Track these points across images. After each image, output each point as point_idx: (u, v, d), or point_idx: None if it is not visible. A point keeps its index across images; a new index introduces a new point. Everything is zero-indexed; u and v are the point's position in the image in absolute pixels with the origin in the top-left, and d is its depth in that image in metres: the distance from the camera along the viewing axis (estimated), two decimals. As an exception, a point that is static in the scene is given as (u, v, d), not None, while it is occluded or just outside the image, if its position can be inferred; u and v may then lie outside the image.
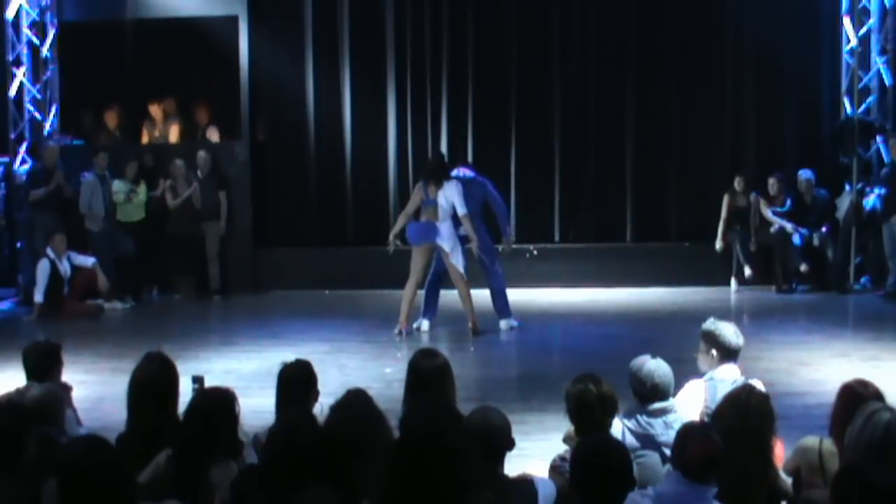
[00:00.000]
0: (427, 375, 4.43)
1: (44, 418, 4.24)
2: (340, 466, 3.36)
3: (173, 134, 12.98)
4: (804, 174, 11.67)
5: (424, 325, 9.54)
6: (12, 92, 12.17)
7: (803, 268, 11.51)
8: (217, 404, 3.92)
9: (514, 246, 10.22)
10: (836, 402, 4.14)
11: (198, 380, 4.69)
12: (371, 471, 3.31)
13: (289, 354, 5.04)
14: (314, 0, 12.68)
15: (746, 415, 3.93)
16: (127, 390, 4.43)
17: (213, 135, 12.89)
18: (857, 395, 3.98)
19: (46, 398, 4.40)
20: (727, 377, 4.83)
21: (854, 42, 11.92)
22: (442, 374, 4.45)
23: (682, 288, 11.74)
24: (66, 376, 5.48)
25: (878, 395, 3.99)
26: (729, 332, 4.94)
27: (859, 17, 11.90)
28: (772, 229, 11.65)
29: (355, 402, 3.69)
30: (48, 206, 11.70)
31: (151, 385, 4.37)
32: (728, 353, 4.91)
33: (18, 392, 4.65)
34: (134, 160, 12.16)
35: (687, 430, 3.68)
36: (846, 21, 12.05)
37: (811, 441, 4.15)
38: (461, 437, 3.07)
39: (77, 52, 12.69)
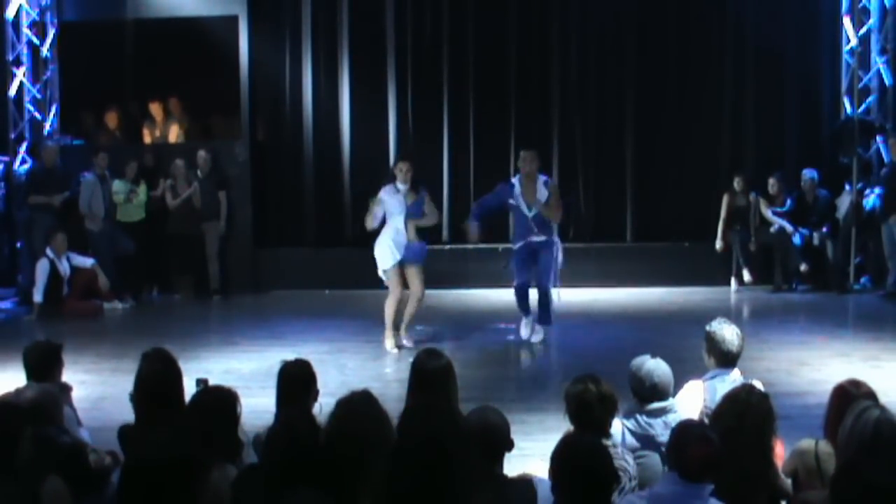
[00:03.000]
0: (430, 376, 4.43)
1: (40, 418, 4.24)
2: (340, 467, 3.35)
3: (173, 134, 12.99)
4: (808, 173, 11.67)
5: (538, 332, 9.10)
6: (12, 92, 12.18)
7: (803, 268, 11.51)
8: (217, 404, 3.92)
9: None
10: (829, 403, 4.13)
11: (202, 382, 4.69)
12: (372, 472, 3.31)
13: (289, 354, 5.03)
14: (314, 0, 12.69)
15: (746, 414, 3.92)
16: (132, 391, 4.47)
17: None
18: (849, 396, 3.96)
19: (42, 398, 4.40)
20: (727, 377, 4.82)
21: (854, 42, 11.93)
22: (445, 375, 4.45)
23: (682, 288, 11.74)
24: (67, 376, 5.48)
25: (870, 395, 3.97)
26: (727, 339, 4.86)
27: (859, 17, 11.91)
28: (772, 229, 11.65)
29: (359, 403, 3.69)
30: (48, 206, 11.71)
31: (155, 383, 4.41)
32: (724, 360, 4.89)
33: (17, 392, 4.65)
34: (134, 160, 12.16)
35: (683, 431, 3.66)
36: (846, 21, 12.06)
37: (807, 443, 4.14)
38: (459, 439, 3.06)
39: (77, 52, 12.70)
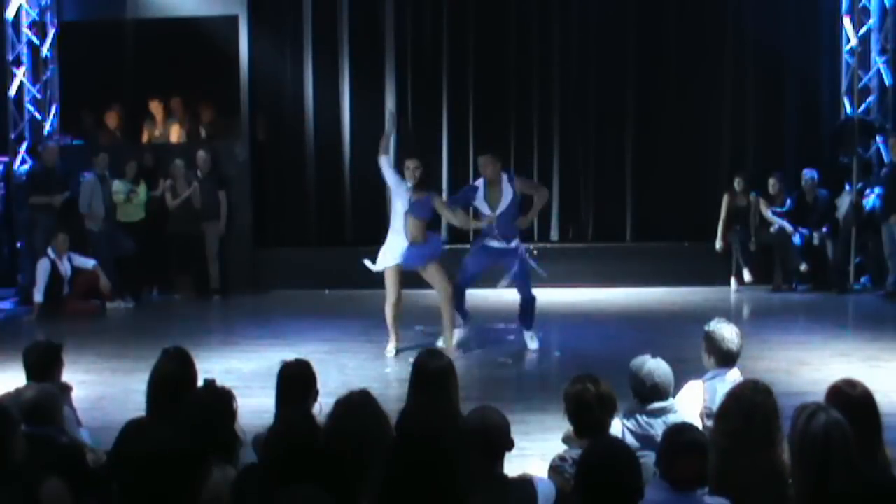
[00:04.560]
0: (431, 376, 4.44)
1: (39, 419, 4.25)
2: (340, 467, 3.35)
3: (173, 134, 12.99)
4: (808, 173, 11.68)
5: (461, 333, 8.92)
6: (12, 92, 12.17)
7: (803, 268, 11.51)
8: (212, 400, 3.92)
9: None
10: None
11: (210, 383, 4.71)
12: (372, 471, 3.32)
13: (289, 354, 5.04)
14: (314, 0, 12.69)
15: (752, 412, 3.87)
16: (147, 385, 4.50)
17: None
18: (846, 396, 3.93)
19: (41, 399, 4.40)
20: (727, 377, 4.82)
21: (854, 42, 11.93)
22: (446, 375, 4.46)
23: (682, 288, 11.74)
24: (67, 376, 5.48)
25: (866, 395, 3.94)
26: (727, 337, 4.87)
27: (859, 17, 11.92)
28: (772, 229, 11.66)
29: (357, 402, 3.69)
30: (48, 206, 11.71)
31: (168, 381, 4.44)
32: (724, 359, 4.89)
33: (17, 392, 4.65)
34: (134, 160, 12.16)
35: (673, 439, 3.60)
36: (846, 21, 12.06)
37: None
38: (457, 437, 3.06)
39: (77, 52, 12.69)
